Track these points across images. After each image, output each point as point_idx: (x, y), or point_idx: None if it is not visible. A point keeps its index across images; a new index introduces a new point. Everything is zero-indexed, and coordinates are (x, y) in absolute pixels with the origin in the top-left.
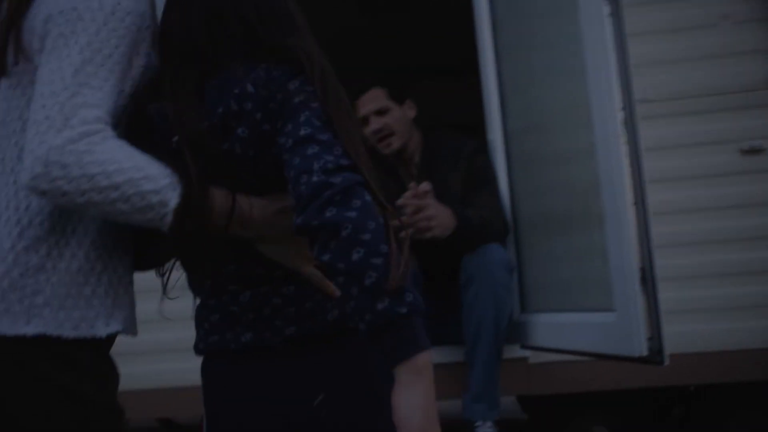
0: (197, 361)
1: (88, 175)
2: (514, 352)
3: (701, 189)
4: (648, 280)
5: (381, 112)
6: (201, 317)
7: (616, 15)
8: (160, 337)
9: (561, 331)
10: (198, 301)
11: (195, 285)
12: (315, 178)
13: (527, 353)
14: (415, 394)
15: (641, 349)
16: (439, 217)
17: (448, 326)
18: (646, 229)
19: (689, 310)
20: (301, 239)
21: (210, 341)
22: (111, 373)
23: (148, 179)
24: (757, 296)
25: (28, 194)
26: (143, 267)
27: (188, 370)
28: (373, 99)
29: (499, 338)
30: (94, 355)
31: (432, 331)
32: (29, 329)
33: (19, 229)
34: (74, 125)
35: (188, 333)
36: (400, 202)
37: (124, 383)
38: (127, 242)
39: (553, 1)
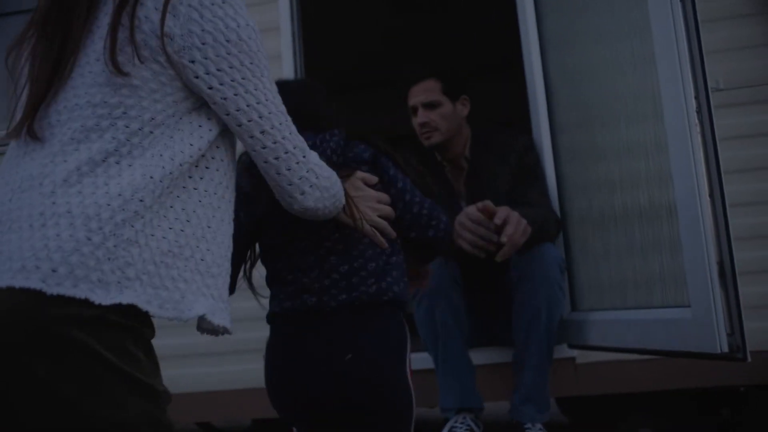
0: (235, 365)
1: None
2: (561, 352)
3: (760, 182)
4: (727, 273)
5: (431, 105)
6: (278, 290)
7: (688, 1)
8: (198, 341)
9: (621, 328)
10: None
11: (276, 267)
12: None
13: (574, 353)
14: None
15: (722, 345)
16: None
17: (496, 326)
18: (725, 222)
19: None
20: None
21: (285, 306)
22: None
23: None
24: None
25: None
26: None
27: (227, 372)
28: (426, 90)
29: (550, 338)
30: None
31: (479, 332)
32: (123, 298)
33: (121, 201)
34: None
35: (224, 338)
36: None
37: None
38: (220, 238)
39: None
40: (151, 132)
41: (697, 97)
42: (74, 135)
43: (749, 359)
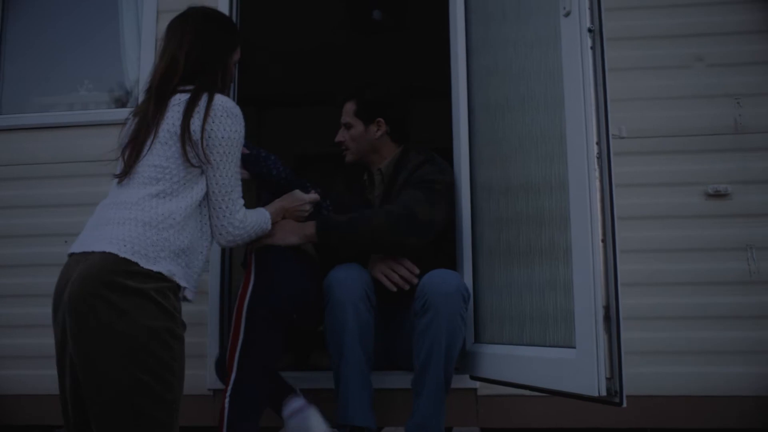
0: None
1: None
2: (463, 382)
3: (664, 229)
4: (612, 318)
5: (346, 126)
6: None
7: (598, 49)
8: None
9: (517, 364)
10: None
11: None
12: None
13: (476, 384)
14: None
15: (600, 388)
16: (283, 226)
17: (398, 350)
18: (614, 267)
19: (647, 352)
20: None
21: None
22: None
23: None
24: (718, 341)
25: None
26: None
27: None
28: (344, 112)
29: (448, 368)
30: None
31: (382, 355)
32: (155, 267)
33: (163, 218)
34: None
35: None
36: None
37: None
38: (206, 244)
39: (533, 31)
40: (184, 185)
41: (598, 143)
42: (146, 179)
43: (625, 404)
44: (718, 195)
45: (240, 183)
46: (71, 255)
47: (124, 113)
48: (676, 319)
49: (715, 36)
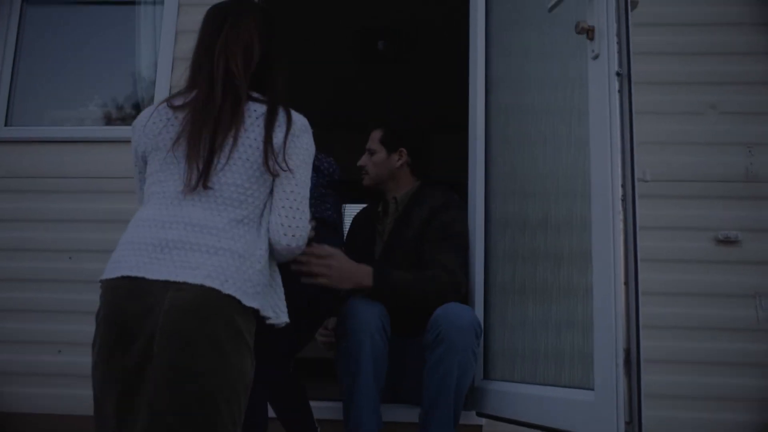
0: None
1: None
2: (468, 419)
3: (672, 273)
4: (632, 360)
5: (370, 152)
6: None
7: (626, 92)
8: None
9: (528, 402)
10: None
11: None
12: None
13: (482, 421)
14: None
15: None
16: (340, 270)
17: (405, 385)
18: (636, 309)
19: (654, 396)
20: None
21: None
22: None
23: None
24: (725, 388)
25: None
26: None
27: None
28: (371, 138)
29: (458, 403)
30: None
31: (389, 390)
32: (254, 304)
33: (254, 249)
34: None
35: None
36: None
37: None
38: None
39: (558, 70)
40: (264, 209)
41: (623, 185)
42: (227, 200)
43: None
44: (728, 241)
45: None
46: (136, 279)
47: None
48: (681, 364)
49: (728, 85)
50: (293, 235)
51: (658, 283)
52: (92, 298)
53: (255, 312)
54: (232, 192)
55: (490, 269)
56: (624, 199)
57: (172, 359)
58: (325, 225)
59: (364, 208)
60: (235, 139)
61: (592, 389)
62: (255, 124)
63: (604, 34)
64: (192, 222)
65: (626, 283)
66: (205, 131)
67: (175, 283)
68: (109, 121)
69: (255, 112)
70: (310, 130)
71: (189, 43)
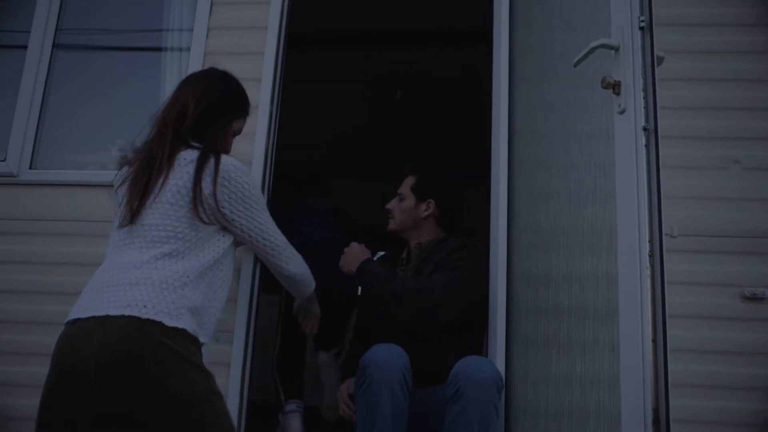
0: None
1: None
2: None
3: (698, 329)
4: (661, 421)
5: (399, 197)
6: None
7: (652, 146)
8: None
9: None
10: None
11: None
12: None
13: None
14: None
15: None
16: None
17: None
18: (665, 367)
19: None
20: None
21: None
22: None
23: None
24: None
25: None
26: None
27: None
28: (404, 183)
29: None
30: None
31: None
32: (179, 324)
33: (177, 276)
34: None
35: None
36: None
37: None
38: (223, 301)
39: (583, 124)
40: (195, 245)
41: (651, 241)
42: (153, 239)
43: None
44: (755, 298)
45: (276, 227)
46: (74, 322)
47: None
48: (706, 424)
49: (753, 140)
50: (283, 267)
51: (683, 339)
52: None
53: (179, 332)
54: (156, 231)
55: (512, 323)
56: (651, 255)
57: (105, 394)
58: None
59: (387, 254)
60: (164, 183)
61: None
62: (184, 170)
63: (630, 88)
64: (120, 262)
65: (654, 341)
66: (142, 177)
67: (99, 317)
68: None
69: (185, 158)
70: (244, 171)
71: None
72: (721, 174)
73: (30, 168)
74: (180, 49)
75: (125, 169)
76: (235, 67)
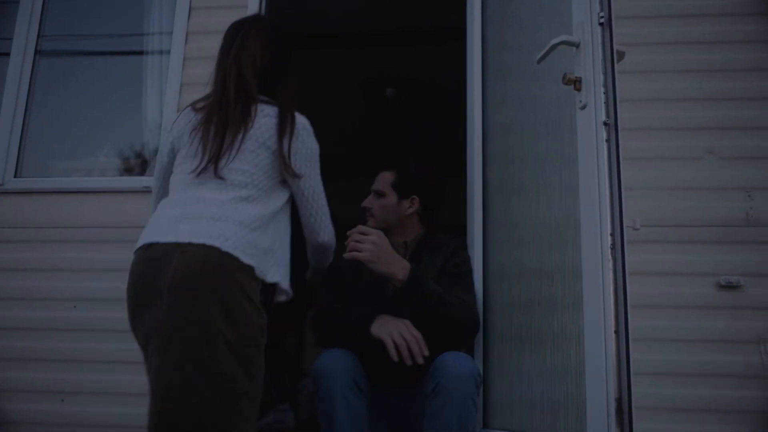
0: None
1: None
2: None
3: (674, 319)
4: (624, 410)
5: (378, 194)
6: None
7: (613, 141)
8: None
9: None
10: None
11: None
12: None
13: None
14: None
15: None
16: (380, 251)
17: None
18: (627, 358)
19: None
20: None
21: None
22: None
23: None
24: None
25: None
26: None
27: None
28: (380, 179)
29: None
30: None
31: None
32: (251, 262)
33: (252, 219)
34: None
35: None
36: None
37: None
38: (287, 246)
39: (549, 119)
40: (266, 193)
41: (612, 234)
42: (233, 182)
43: None
44: (730, 286)
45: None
46: (150, 245)
47: (141, 181)
48: (685, 411)
49: (726, 130)
50: (319, 235)
51: (659, 329)
52: (97, 347)
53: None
54: (237, 176)
55: (488, 317)
56: (613, 248)
57: (180, 309)
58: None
59: None
60: (244, 133)
61: None
62: (262, 122)
63: (591, 84)
64: (201, 199)
65: (617, 332)
66: (218, 126)
67: (181, 244)
68: (115, 172)
69: (262, 111)
70: (311, 131)
71: (193, 95)
72: (695, 164)
73: (15, 176)
74: (161, 53)
75: (190, 114)
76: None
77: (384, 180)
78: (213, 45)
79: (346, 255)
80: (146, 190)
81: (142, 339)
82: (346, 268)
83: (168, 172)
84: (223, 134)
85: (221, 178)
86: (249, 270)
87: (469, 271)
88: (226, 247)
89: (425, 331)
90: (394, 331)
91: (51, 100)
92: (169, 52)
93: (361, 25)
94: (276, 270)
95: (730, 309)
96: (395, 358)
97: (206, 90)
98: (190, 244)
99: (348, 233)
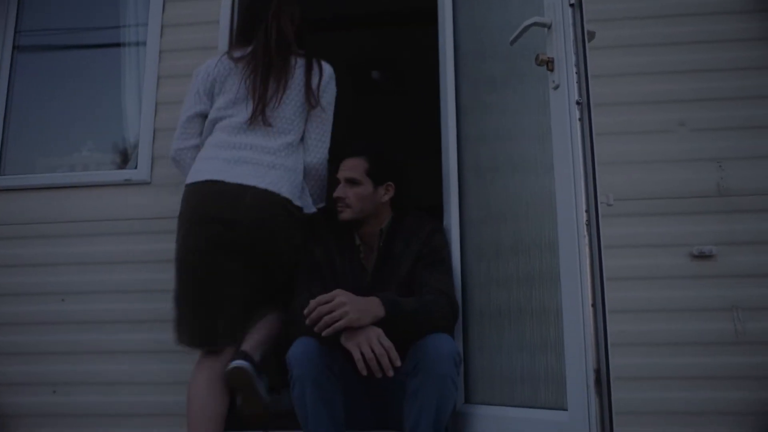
0: None
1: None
2: None
3: (650, 290)
4: (602, 380)
5: (352, 182)
6: None
7: (586, 120)
8: None
9: (508, 425)
10: None
11: None
12: None
13: None
14: None
15: None
16: (355, 305)
17: (391, 411)
18: (604, 329)
19: (632, 412)
20: None
21: None
22: None
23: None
24: (704, 403)
25: None
26: None
27: None
28: (352, 167)
29: (438, 429)
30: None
31: (375, 416)
32: (307, 208)
33: (301, 166)
34: None
35: None
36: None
37: None
38: None
39: (523, 98)
40: (300, 134)
41: (587, 210)
42: (280, 130)
43: None
44: (703, 256)
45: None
46: (217, 182)
47: (122, 174)
48: (661, 380)
49: (697, 102)
50: (318, 155)
51: (635, 300)
52: (85, 338)
53: (299, 209)
54: (283, 123)
55: (467, 295)
56: (588, 223)
57: (252, 239)
58: None
59: (330, 238)
60: (285, 84)
61: (566, 410)
62: (298, 72)
63: (563, 64)
64: (253, 145)
65: (594, 305)
66: (264, 77)
67: (247, 186)
68: (98, 166)
69: (297, 62)
70: (335, 78)
71: (171, 88)
72: (665, 137)
73: None
74: (137, 44)
75: (228, 63)
76: (191, 61)
77: (357, 167)
78: (188, 37)
79: (327, 332)
80: (127, 183)
81: (200, 244)
82: (323, 264)
83: (202, 114)
84: (267, 84)
85: (269, 125)
86: (299, 209)
87: (448, 255)
88: (284, 192)
89: (402, 337)
90: (364, 343)
91: (31, 95)
92: (145, 43)
93: (346, 8)
94: (309, 202)
95: (703, 278)
96: (364, 372)
97: (184, 81)
98: (255, 188)
99: (306, 312)
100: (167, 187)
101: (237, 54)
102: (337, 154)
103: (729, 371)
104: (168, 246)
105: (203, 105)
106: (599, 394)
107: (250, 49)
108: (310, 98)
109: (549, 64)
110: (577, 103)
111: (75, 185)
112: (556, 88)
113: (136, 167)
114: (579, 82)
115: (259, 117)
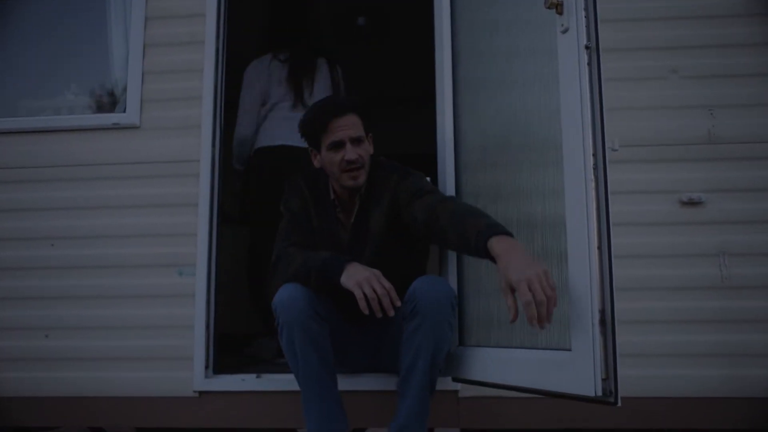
0: None
1: None
2: (444, 384)
3: (639, 236)
4: (607, 321)
5: (358, 140)
6: None
7: (594, 64)
8: None
9: (506, 366)
10: None
11: None
12: None
13: (458, 386)
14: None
15: (597, 389)
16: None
17: (384, 354)
18: (610, 272)
19: (624, 355)
20: None
21: None
22: None
23: None
24: (692, 345)
25: None
26: None
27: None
28: (352, 125)
29: (434, 373)
30: None
31: (367, 359)
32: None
33: None
34: None
35: None
36: None
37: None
38: None
39: (527, 43)
40: None
41: (595, 154)
42: None
43: (620, 404)
44: (692, 203)
45: None
46: (284, 146)
47: (111, 118)
48: (649, 323)
49: (689, 49)
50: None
51: (625, 246)
52: (76, 283)
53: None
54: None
55: None
56: (596, 168)
57: None
58: None
59: (306, 194)
60: (313, 80)
61: (569, 350)
62: (324, 68)
63: (573, 8)
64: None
65: (600, 248)
66: (300, 77)
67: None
68: (84, 109)
69: (321, 63)
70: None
71: (159, 29)
72: (657, 84)
73: None
74: None
75: (277, 65)
76: (179, 2)
77: (357, 124)
78: None
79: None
80: (115, 127)
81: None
82: (302, 217)
83: (260, 105)
84: (302, 82)
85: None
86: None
87: (427, 184)
88: None
89: (399, 274)
90: (364, 283)
91: (15, 37)
92: None
93: None
94: None
95: (692, 225)
96: (365, 311)
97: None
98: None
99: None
100: (156, 130)
101: (282, 57)
102: None
103: (714, 314)
104: (157, 191)
105: (260, 103)
106: (604, 333)
107: (288, 54)
108: (339, 90)
109: (558, 7)
110: (586, 47)
111: (62, 129)
112: (565, 31)
113: (124, 111)
114: (588, 26)
115: (299, 105)
